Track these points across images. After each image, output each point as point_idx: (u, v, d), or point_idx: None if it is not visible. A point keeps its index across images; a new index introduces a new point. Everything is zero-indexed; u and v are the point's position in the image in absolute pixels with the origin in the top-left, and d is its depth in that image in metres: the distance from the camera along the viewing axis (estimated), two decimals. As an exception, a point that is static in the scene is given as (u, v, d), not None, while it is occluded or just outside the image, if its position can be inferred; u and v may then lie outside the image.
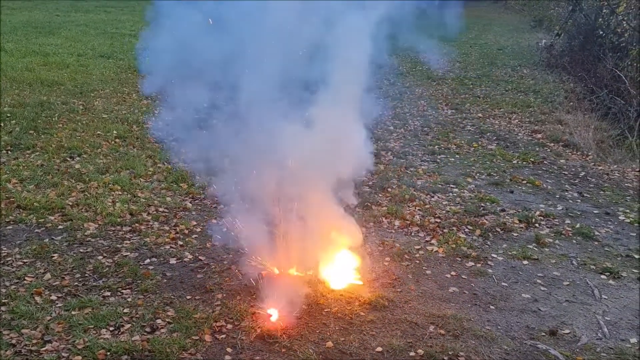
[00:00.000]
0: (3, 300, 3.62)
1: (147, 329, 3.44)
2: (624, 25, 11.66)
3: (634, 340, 3.60)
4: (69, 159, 6.27)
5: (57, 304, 3.65)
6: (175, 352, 3.22)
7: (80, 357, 3.14)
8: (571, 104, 10.41)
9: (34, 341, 3.25)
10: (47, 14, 19.20)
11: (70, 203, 5.13)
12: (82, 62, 11.76)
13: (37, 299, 3.66)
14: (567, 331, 3.67)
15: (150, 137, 7.24)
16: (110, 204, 5.18)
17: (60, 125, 7.44)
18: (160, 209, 5.18)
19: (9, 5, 19.73)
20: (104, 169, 6.02)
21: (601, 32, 12.42)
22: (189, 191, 5.62)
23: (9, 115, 7.54)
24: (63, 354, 3.17)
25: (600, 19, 13.00)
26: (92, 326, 3.42)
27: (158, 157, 6.53)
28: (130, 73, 11.13)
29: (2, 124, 7.16)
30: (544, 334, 3.63)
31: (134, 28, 17.32)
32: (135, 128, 7.61)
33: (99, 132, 7.26)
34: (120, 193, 5.45)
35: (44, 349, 3.20)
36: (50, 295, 3.72)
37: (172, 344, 3.27)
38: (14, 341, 3.25)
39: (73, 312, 3.54)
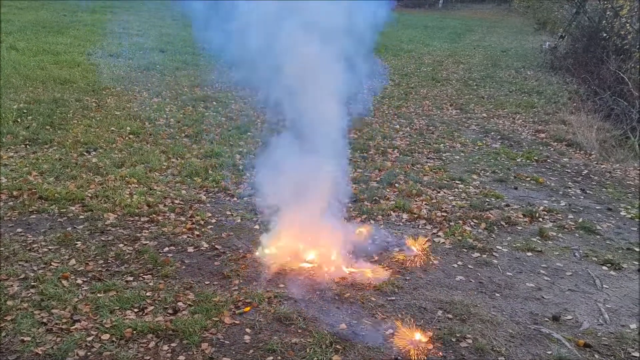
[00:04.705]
0: (32, 284, 3.79)
1: (170, 311, 3.62)
2: (628, 27, 11.82)
3: (633, 326, 3.77)
4: (85, 153, 6.46)
5: (83, 287, 3.83)
6: (197, 331, 3.39)
7: (108, 335, 3.32)
8: (574, 104, 10.58)
9: (64, 320, 3.43)
10: (54, 14, 19.41)
11: (90, 194, 5.31)
12: (92, 60, 11.95)
13: (64, 282, 3.84)
14: (569, 317, 3.84)
15: (162, 133, 7.44)
16: (127, 195, 5.35)
17: (75, 121, 7.63)
18: (176, 201, 5.36)
19: (16, 5, 19.98)
20: (120, 163, 6.20)
21: (605, 35, 12.60)
22: (202, 185, 5.79)
23: (25, 111, 7.73)
24: (92, 332, 3.34)
25: (604, 22, 13.18)
26: (117, 307, 3.60)
27: (171, 152, 6.71)
28: (139, 72, 11.33)
29: (19, 120, 7.35)
30: (547, 319, 3.80)
31: (140, 28, 17.55)
32: (148, 125, 7.80)
33: (112, 128, 7.45)
34: (136, 186, 5.63)
35: (73, 327, 3.38)
36: (76, 279, 3.90)
37: (194, 325, 3.44)
38: (45, 320, 3.42)
39: (99, 295, 3.72)
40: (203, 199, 5.46)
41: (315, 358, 3.23)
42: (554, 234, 5.17)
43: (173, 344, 3.30)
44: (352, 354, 3.31)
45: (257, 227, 4.91)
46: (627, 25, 11.84)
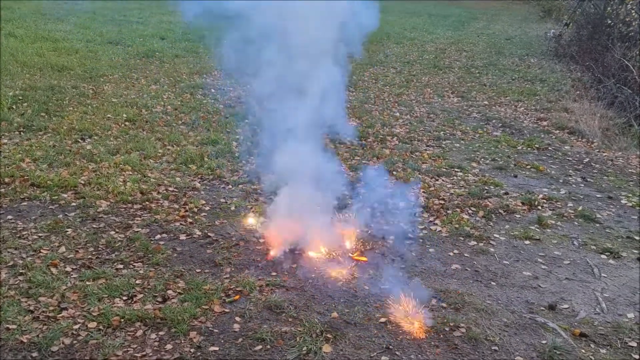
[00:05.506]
0: (20, 271, 3.75)
1: (159, 299, 3.57)
2: (633, 14, 11.63)
3: (631, 315, 3.69)
4: (80, 140, 6.39)
5: (72, 275, 3.78)
6: (186, 320, 3.34)
7: (95, 323, 3.27)
8: (578, 92, 10.44)
9: (51, 308, 3.38)
10: (54, 2, 19.27)
11: (83, 182, 5.25)
12: (90, 48, 11.85)
13: (53, 270, 3.79)
14: (565, 306, 3.77)
15: (159, 120, 7.36)
16: (121, 183, 5.29)
17: (71, 108, 7.56)
18: (170, 189, 5.30)
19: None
20: (115, 150, 6.13)
21: (610, 22, 12.40)
22: (197, 172, 5.72)
23: (20, 98, 7.66)
24: (79, 320, 3.29)
25: (609, 9, 12.97)
26: (106, 295, 3.55)
27: (167, 139, 6.64)
28: (138, 59, 11.23)
29: (14, 107, 7.28)
30: (543, 308, 3.73)
31: (141, 15, 17.42)
32: (144, 112, 7.72)
33: (109, 115, 7.37)
34: (130, 173, 5.56)
35: (60, 315, 3.33)
36: (65, 267, 3.85)
37: (183, 313, 3.39)
38: (31, 308, 3.38)
39: (87, 283, 3.67)
40: (197, 187, 5.40)
41: (305, 347, 3.17)
42: (553, 222, 5.08)
43: (161, 333, 3.25)
44: (342, 343, 3.25)
45: (251, 214, 4.84)
46: (633, 12, 11.64)
